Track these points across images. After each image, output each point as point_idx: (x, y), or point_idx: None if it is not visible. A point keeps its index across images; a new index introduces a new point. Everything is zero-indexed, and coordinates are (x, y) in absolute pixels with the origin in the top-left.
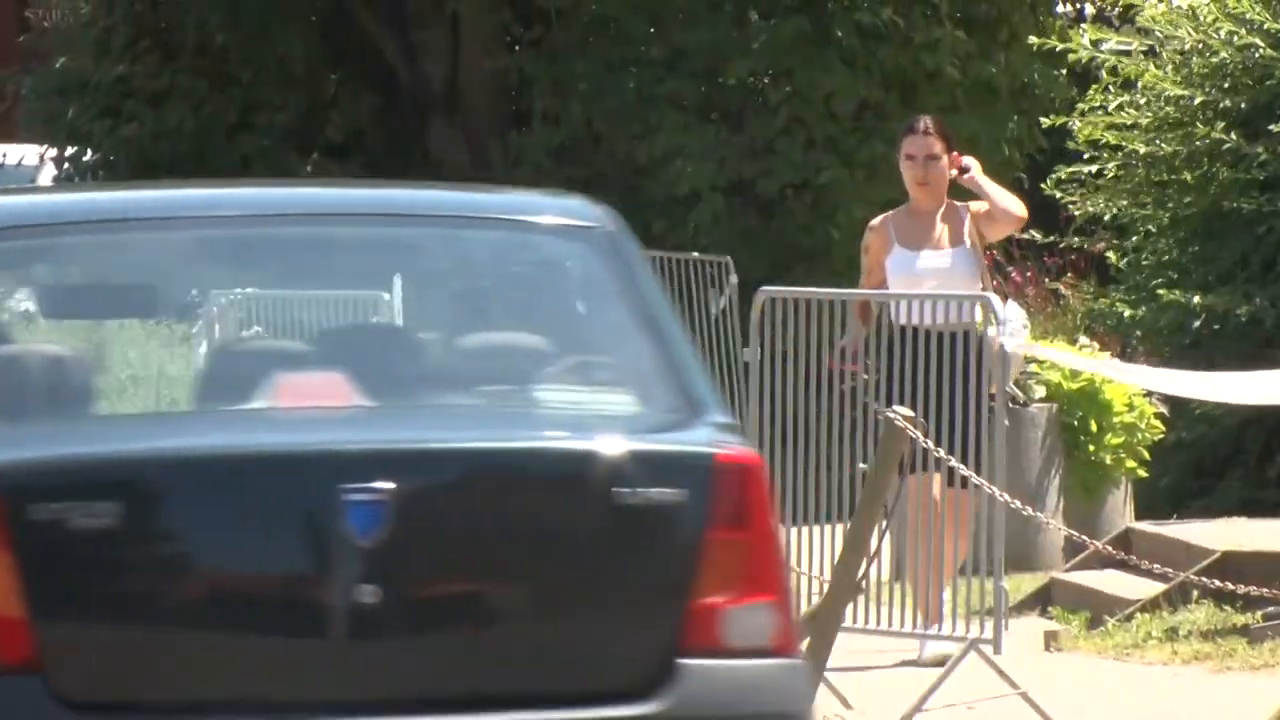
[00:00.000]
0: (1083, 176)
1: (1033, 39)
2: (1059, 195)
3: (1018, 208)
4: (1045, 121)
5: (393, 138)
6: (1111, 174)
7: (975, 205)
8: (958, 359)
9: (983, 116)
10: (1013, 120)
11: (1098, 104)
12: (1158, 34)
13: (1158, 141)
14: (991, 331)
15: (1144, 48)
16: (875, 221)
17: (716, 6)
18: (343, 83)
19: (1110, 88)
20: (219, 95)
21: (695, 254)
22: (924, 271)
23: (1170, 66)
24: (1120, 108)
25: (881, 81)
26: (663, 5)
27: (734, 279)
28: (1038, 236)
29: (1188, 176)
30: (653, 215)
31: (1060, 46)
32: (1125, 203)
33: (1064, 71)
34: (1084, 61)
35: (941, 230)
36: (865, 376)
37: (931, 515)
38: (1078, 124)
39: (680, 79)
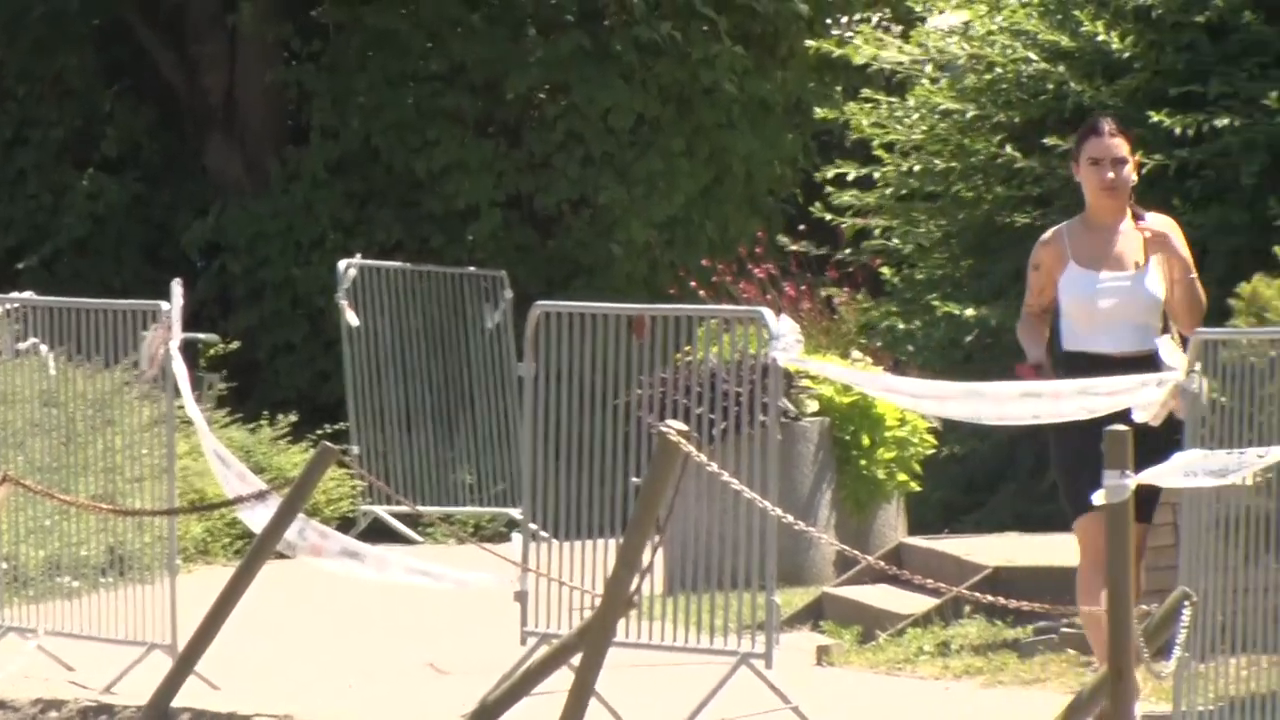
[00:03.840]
0: (852, 174)
1: (810, 42)
2: (828, 216)
3: (1200, 309)
4: (819, 113)
5: (170, 152)
6: (882, 181)
7: (1159, 228)
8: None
9: (759, 133)
10: (788, 137)
11: (869, 102)
12: (932, 48)
13: (930, 155)
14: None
15: (920, 59)
16: (1047, 236)
17: (495, 21)
18: (120, 97)
19: (884, 92)
20: None
21: (471, 268)
22: (1103, 293)
23: (944, 80)
24: (892, 110)
25: (659, 96)
26: (442, 20)
27: (509, 293)
28: (809, 249)
29: (961, 190)
30: (430, 229)
31: (837, 52)
32: (899, 216)
33: (839, 89)
34: (860, 68)
35: (1123, 247)
36: (640, 391)
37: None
38: (850, 109)
39: (459, 93)
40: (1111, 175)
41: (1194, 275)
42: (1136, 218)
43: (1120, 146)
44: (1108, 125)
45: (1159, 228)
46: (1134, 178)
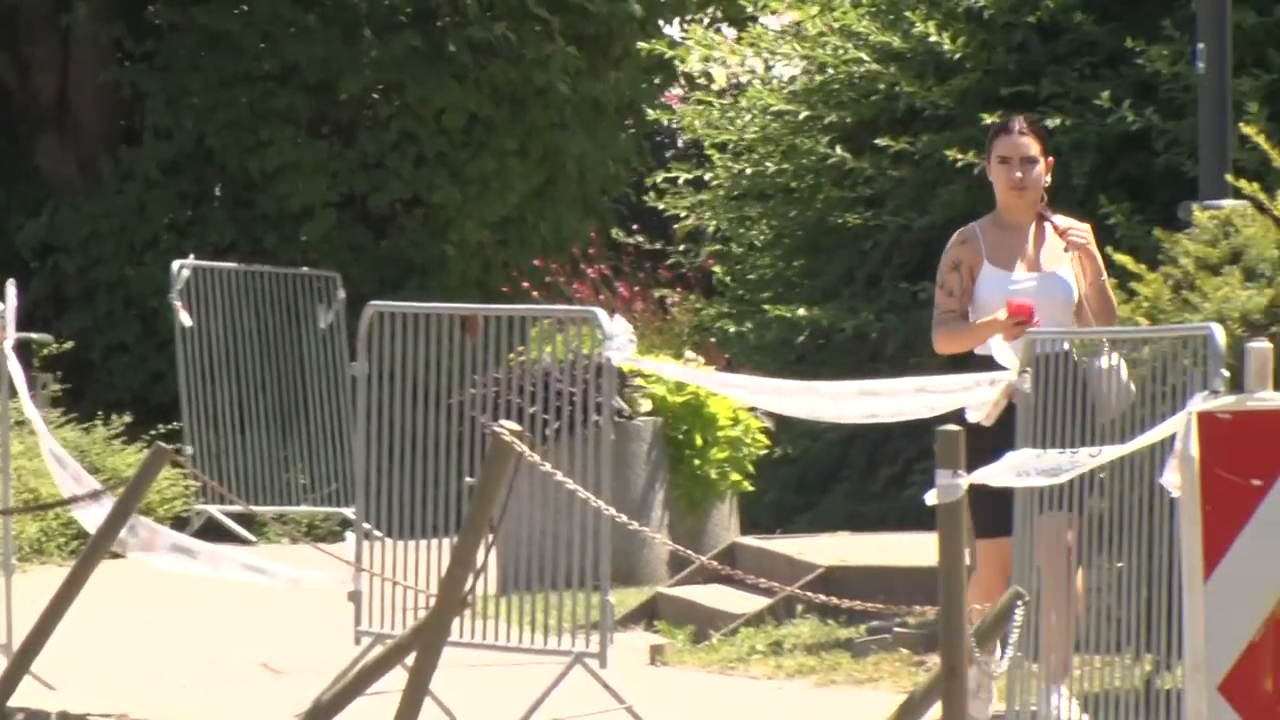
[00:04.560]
0: (684, 177)
1: (641, 44)
2: (662, 206)
3: (1113, 311)
4: (650, 115)
5: (3, 153)
6: (715, 182)
7: (1072, 231)
8: (1061, 388)
9: (591, 134)
10: (621, 137)
11: (702, 103)
12: (764, 49)
13: (762, 156)
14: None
15: (751, 63)
16: (962, 236)
17: (329, 22)
18: None
19: (715, 93)
20: None
21: (305, 269)
22: (1019, 293)
23: (775, 81)
24: (724, 111)
25: (492, 96)
26: (275, 20)
27: (341, 294)
28: (643, 241)
29: (793, 190)
30: (264, 229)
31: (670, 54)
32: (731, 216)
33: (672, 90)
34: (692, 70)
35: (1035, 247)
36: (474, 390)
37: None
38: (682, 110)
39: (293, 94)
40: (1020, 174)
41: (1105, 278)
42: (1046, 218)
43: (1030, 145)
44: (1018, 124)
45: (1075, 227)
46: (1046, 178)
